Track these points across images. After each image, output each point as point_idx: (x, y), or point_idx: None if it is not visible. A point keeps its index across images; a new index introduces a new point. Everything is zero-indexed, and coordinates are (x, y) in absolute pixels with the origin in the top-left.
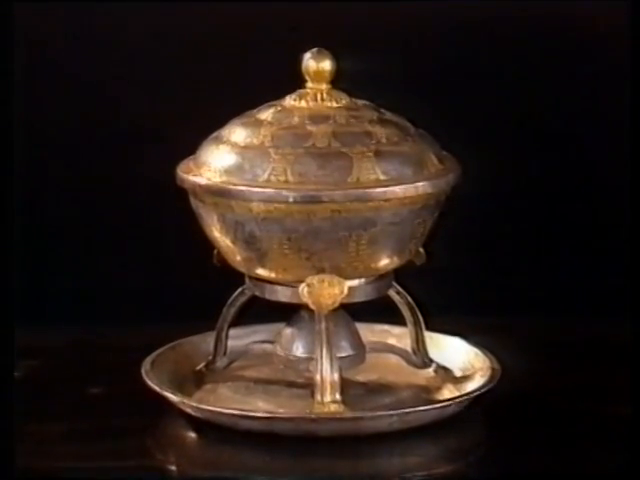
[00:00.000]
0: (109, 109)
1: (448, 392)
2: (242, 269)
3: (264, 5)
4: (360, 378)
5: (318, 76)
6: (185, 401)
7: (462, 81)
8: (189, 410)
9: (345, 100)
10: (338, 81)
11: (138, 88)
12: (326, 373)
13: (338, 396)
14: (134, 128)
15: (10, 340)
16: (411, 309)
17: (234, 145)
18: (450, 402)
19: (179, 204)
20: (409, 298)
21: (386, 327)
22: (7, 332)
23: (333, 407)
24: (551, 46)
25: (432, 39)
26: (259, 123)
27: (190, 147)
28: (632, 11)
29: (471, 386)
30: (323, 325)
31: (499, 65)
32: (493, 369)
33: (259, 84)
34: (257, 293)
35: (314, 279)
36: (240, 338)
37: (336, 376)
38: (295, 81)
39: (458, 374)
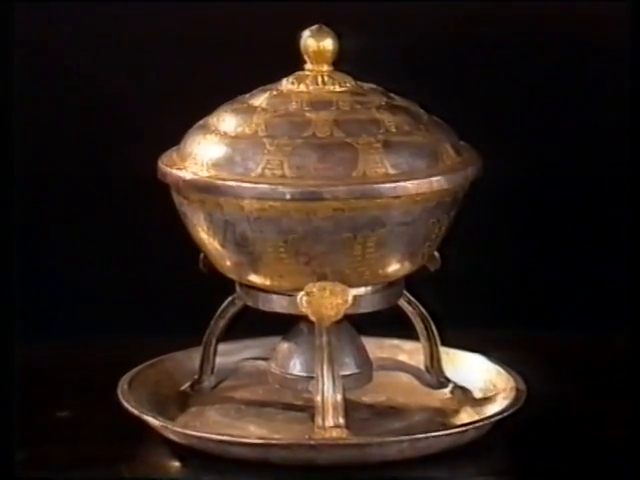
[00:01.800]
0: (82, 92)
1: (466, 416)
2: (232, 275)
3: None
4: (366, 399)
5: (319, 56)
6: (168, 426)
7: (483, 62)
8: (172, 436)
9: (349, 83)
10: (341, 62)
11: (117, 70)
12: (328, 394)
13: (341, 420)
14: (111, 114)
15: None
16: (424, 321)
17: (223, 135)
18: (468, 427)
19: (161, 201)
20: (422, 309)
21: (396, 342)
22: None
23: (335, 432)
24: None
25: (447, 18)
26: (252, 110)
27: (173, 137)
28: None
29: (492, 409)
30: (324, 339)
31: (523, 46)
32: (518, 390)
33: (252, 65)
34: (249, 303)
35: (314, 287)
36: (230, 354)
37: (339, 397)
38: (293, 62)
39: (478, 395)
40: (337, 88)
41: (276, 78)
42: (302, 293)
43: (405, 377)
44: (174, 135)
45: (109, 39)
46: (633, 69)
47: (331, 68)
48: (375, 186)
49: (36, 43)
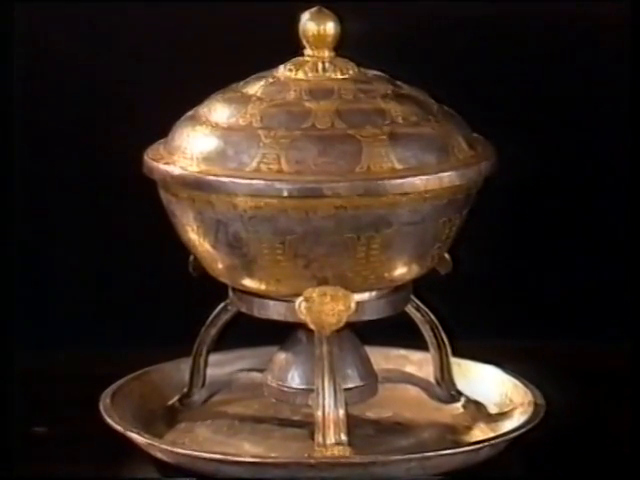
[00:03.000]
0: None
1: (480, 432)
2: (225, 280)
3: None
4: (371, 415)
5: (319, 41)
6: (154, 443)
7: (498, 50)
8: (159, 454)
9: (352, 70)
10: (343, 47)
11: (103, 57)
12: (329, 408)
13: (344, 437)
14: (95, 103)
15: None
16: (434, 329)
17: (215, 126)
18: (482, 445)
19: (147, 199)
20: (432, 316)
21: (403, 352)
22: None
23: (337, 450)
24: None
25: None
26: (246, 99)
27: (161, 128)
28: None
29: (508, 425)
30: (325, 349)
31: (537, 30)
32: (536, 404)
33: (246, 51)
34: (243, 309)
35: (314, 292)
36: (222, 365)
37: (341, 412)
38: (291, 47)
39: (493, 410)
40: (339, 75)
41: (273, 64)
42: (301, 299)
43: (413, 390)
44: (161, 126)
45: (94, 21)
46: None
47: (332, 54)
48: (380, 182)
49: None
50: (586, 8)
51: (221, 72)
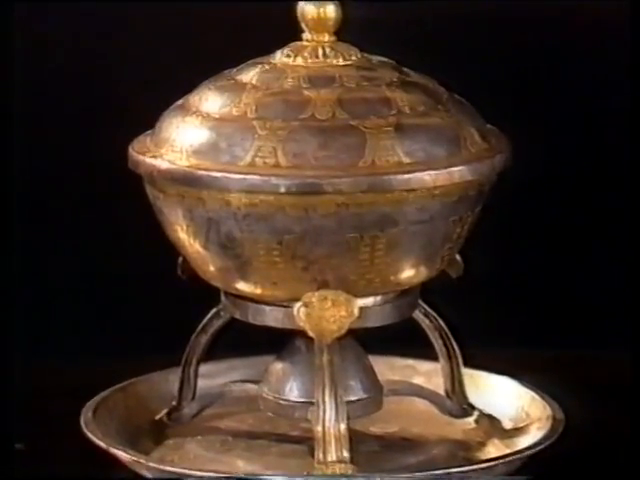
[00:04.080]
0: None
1: (494, 449)
2: (217, 283)
3: None
4: (375, 430)
5: (319, 25)
6: (141, 460)
7: (512, 33)
8: (146, 472)
9: (355, 56)
10: (345, 32)
11: (84, 39)
12: (330, 423)
13: (346, 454)
14: (80, 94)
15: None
16: (444, 337)
17: (206, 116)
18: (497, 462)
19: (132, 196)
20: (441, 322)
21: (410, 362)
22: None
23: (339, 468)
24: None
25: None
26: (240, 87)
27: (147, 119)
28: None
29: (525, 441)
30: (325, 358)
31: (552, 14)
32: (554, 419)
33: (240, 35)
34: (237, 316)
35: (314, 297)
36: (214, 376)
37: (343, 427)
38: (288, 31)
39: (508, 425)
40: (340, 61)
41: (269, 50)
42: (299, 304)
43: (421, 404)
44: (148, 117)
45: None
46: None
47: (333, 38)
48: (385, 177)
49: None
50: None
51: (213, 58)
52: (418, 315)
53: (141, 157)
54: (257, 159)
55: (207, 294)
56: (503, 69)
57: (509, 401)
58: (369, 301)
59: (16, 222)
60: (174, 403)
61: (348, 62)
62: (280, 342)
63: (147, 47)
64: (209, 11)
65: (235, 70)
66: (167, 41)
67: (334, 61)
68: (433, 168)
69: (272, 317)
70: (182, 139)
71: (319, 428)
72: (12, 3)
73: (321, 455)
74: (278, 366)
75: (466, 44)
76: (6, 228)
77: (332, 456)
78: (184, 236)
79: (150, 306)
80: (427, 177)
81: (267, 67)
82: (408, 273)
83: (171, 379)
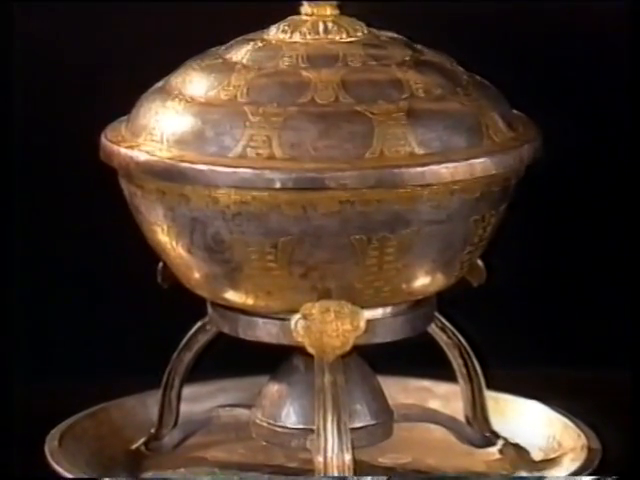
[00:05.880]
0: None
1: None
2: (202, 292)
3: None
4: (385, 461)
5: None
6: None
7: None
8: None
9: (361, 32)
10: (350, 4)
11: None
12: (332, 453)
13: None
14: (48, 72)
15: None
16: (464, 355)
17: (190, 101)
18: None
19: (104, 191)
20: (461, 338)
21: (426, 383)
22: None
23: None
24: None
25: None
26: (229, 67)
27: (123, 103)
28: None
29: (557, 473)
30: (327, 379)
31: None
32: (590, 449)
33: (231, 7)
34: (225, 330)
35: (314, 308)
36: (199, 400)
37: (347, 457)
38: (285, 4)
39: (537, 456)
40: (344, 38)
41: (262, 25)
42: (297, 316)
43: (437, 431)
44: (123, 101)
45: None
46: None
47: (336, 11)
48: (396, 171)
49: None
50: None
51: (199, 34)
52: (434, 329)
53: (115, 147)
54: (249, 150)
55: (191, 305)
56: (531, 47)
57: (538, 429)
58: (377, 313)
59: None
60: (153, 431)
61: (353, 38)
62: (275, 360)
63: (121, 17)
64: None
65: (224, 47)
66: (146, 12)
67: (337, 37)
68: (451, 160)
69: (266, 331)
70: (162, 127)
71: (320, 459)
72: (12, 3)
73: None
74: (273, 388)
75: (486, 20)
76: None
77: None
78: (165, 238)
79: (125, 319)
80: (444, 170)
81: (260, 44)
82: (422, 281)
83: (149, 403)
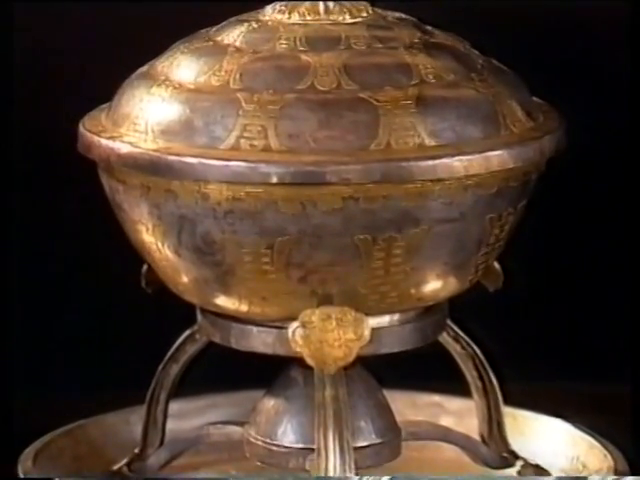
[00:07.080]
0: None
1: None
2: (191, 298)
3: None
4: None
5: None
6: None
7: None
8: None
9: (366, 12)
10: None
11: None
12: (334, 474)
13: None
14: (48, 72)
15: None
16: (479, 368)
17: (178, 87)
18: None
19: (82, 186)
20: (475, 348)
21: (437, 398)
22: None
23: None
24: None
25: None
26: (221, 50)
27: (104, 89)
28: None
29: None
30: (329, 393)
31: None
32: (617, 471)
33: None
34: (216, 339)
35: (314, 315)
36: (188, 417)
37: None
38: None
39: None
40: (347, 18)
41: (257, 4)
42: (296, 324)
43: (450, 450)
44: (103, 87)
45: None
46: None
47: None
48: (405, 164)
49: None
50: None
51: (188, 14)
52: (446, 339)
53: (95, 138)
54: (242, 141)
55: (179, 312)
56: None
57: (561, 448)
58: (384, 321)
59: None
60: (137, 450)
61: (357, 19)
62: (271, 373)
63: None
64: None
65: (215, 29)
66: None
67: (339, 18)
68: (465, 152)
69: (261, 341)
70: (147, 115)
71: None
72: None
73: None
74: (269, 403)
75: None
76: None
77: None
78: (150, 238)
79: (105, 327)
80: (457, 164)
81: (255, 25)
82: (433, 285)
83: (132, 420)
